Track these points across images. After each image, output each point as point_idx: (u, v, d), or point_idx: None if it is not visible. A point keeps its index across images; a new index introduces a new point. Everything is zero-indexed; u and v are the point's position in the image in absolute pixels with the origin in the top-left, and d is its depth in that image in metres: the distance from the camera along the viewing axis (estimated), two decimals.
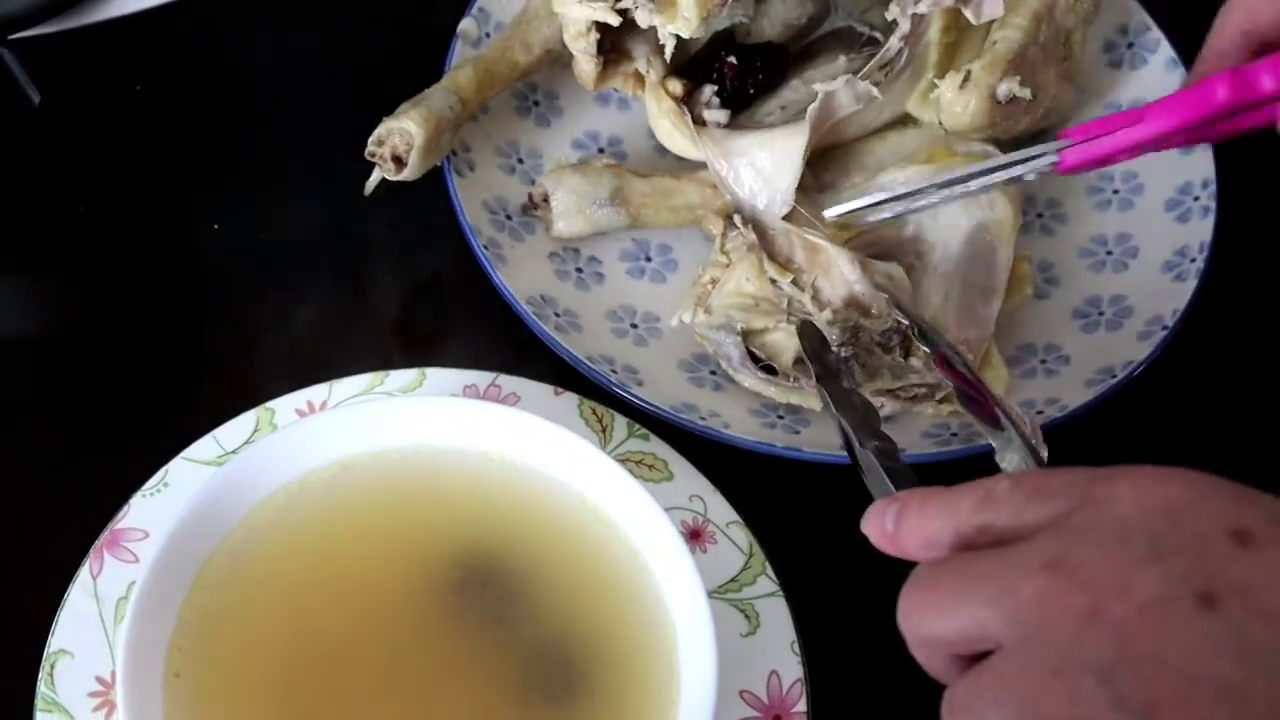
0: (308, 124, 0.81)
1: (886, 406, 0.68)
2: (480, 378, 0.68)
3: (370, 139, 0.72)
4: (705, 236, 0.75)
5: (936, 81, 0.72)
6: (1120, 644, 0.40)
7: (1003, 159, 0.69)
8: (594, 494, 0.61)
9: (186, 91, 0.82)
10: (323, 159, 0.78)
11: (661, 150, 0.77)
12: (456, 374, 0.68)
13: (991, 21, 0.72)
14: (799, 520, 0.67)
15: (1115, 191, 0.77)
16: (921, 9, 0.71)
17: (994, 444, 0.59)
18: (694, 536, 0.65)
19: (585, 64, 0.72)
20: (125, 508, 0.63)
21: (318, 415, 0.65)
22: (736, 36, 0.75)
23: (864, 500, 0.51)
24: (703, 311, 0.69)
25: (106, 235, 0.77)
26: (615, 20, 0.69)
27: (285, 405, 0.66)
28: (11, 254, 0.78)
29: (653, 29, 0.70)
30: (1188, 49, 0.79)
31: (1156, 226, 0.75)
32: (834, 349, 0.66)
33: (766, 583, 0.64)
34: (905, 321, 0.67)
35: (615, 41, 0.71)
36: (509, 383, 0.68)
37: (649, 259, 0.75)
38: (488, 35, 0.77)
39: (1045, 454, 0.60)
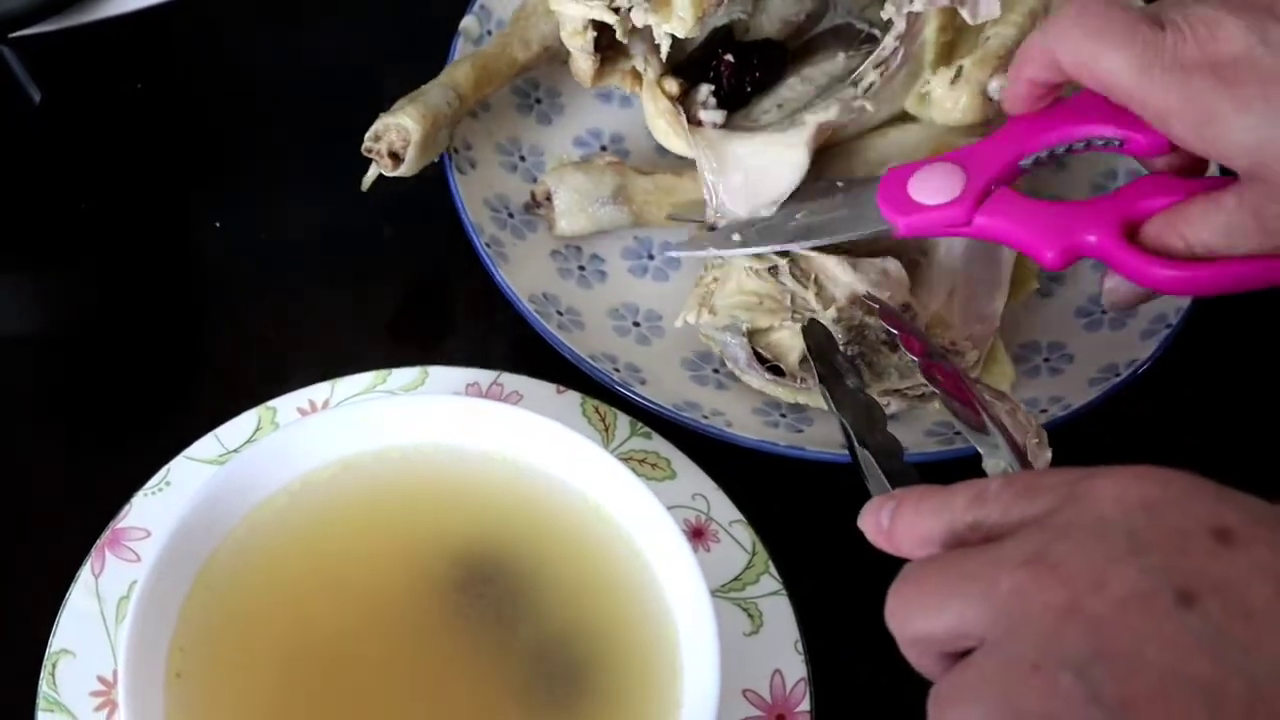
0: (307, 122, 0.80)
1: (893, 405, 0.67)
2: (482, 376, 0.68)
3: (367, 135, 0.71)
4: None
5: (930, 79, 0.72)
6: (1098, 639, 0.40)
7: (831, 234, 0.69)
8: (596, 493, 0.61)
9: (186, 90, 0.82)
10: (323, 156, 0.78)
11: (664, 149, 0.76)
12: (459, 372, 0.68)
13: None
14: (802, 519, 0.67)
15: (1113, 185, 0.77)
16: (916, 8, 0.71)
17: (980, 449, 0.58)
18: (697, 535, 0.64)
19: (582, 61, 0.72)
20: (127, 507, 0.63)
21: (319, 414, 0.64)
22: (734, 33, 0.75)
23: (867, 499, 0.51)
24: (707, 312, 0.69)
25: (107, 234, 0.77)
26: (612, 19, 0.69)
27: (287, 404, 0.66)
28: (12, 253, 0.77)
29: (649, 27, 0.70)
30: None
31: None
32: (841, 348, 0.66)
33: (770, 581, 0.64)
34: (908, 313, 0.67)
35: (612, 39, 0.71)
36: (511, 381, 0.68)
37: (651, 257, 0.75)
38: (489, 33, 0.77)
39: (1044, 459, 0.60)
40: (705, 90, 0.73)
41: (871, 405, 0.60)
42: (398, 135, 0.71)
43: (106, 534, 0.62)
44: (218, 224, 0.77)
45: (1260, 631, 0.39)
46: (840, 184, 0.70)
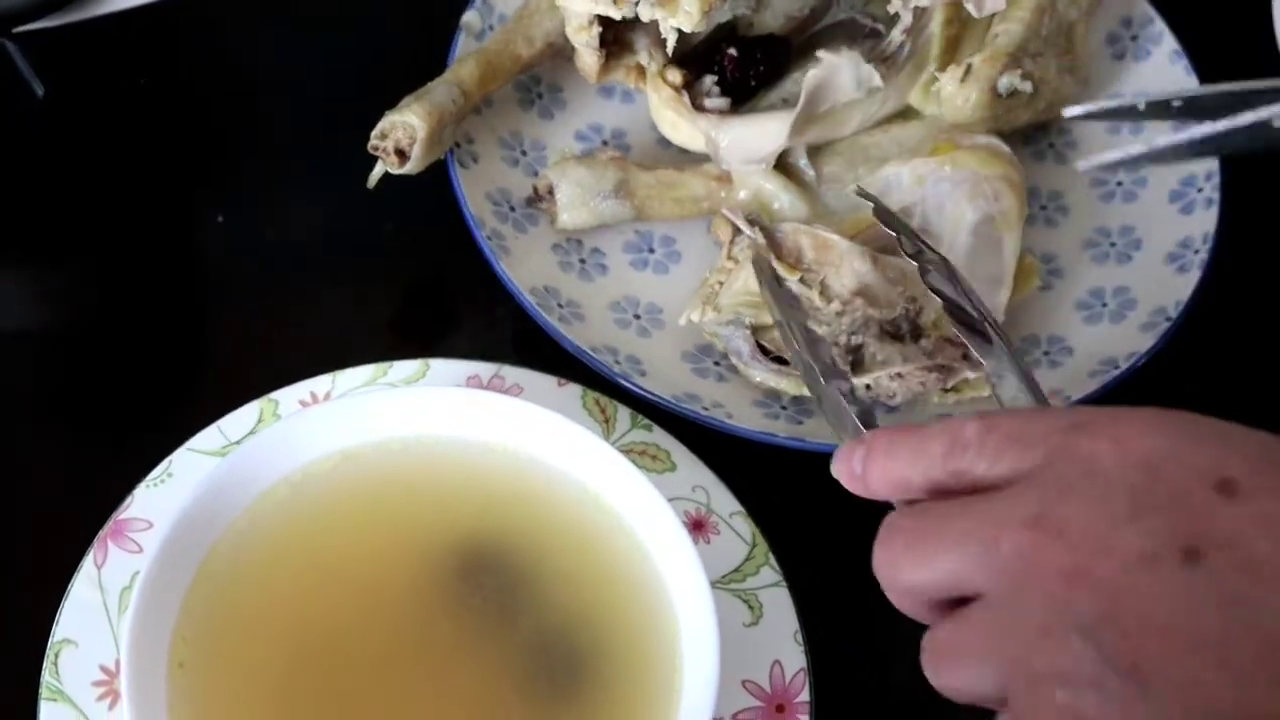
0: (311, 118, 0.81)
1: (898, 395, 0.67)
2: (484, 369, 0.68)
3: (373, 132, 0.72)
4: (710, 231, 0.75)
5: (938, 75, 0.72)
6: (1106, 602, 0.41)
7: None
8: (597, 484, 0.61)
9: (190, 86, 0.83)
10: (326, 153, 0.78)
11: (666, 143, 0.77)
12: (460, 365, 0.68)
13: (994, 14, 0.72)
14: (802, 511, 0.67)
15: (1119, 184, 0.77)
16: (923, 2, 0.71)
17: (986, 366, 0.57)
18: (697, 527, 0.65)
19: (588, 57, 0.72)
20: (129, 498, 0.63)
21: (320, 405, 0.65)
22: (738, 28, 0.75)
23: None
24: (711, 310, 0.69)
25: (109, 229, 0.77)
26: (617, 14, 0.69)
27: (288, 396, 0.66)
28: (14, 248, 0.78)
29: (654, 22, 0.70)
30: (1191, 41, 0.79)
31: (1160, 218, 0.75)
32: (843, 340, 0.66)
33: (769, 573, 0.64)
34: (913, 308, 0.67)
35: (617, 34, 0.71)
36: (512, 374, 0.68)
37: (652, 250, 0.75)
38: (491, 28, 0.77)
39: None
40: (709, 81, 0.73)
41: (820, 341, 0.59)
42: (404, 133, 0.71)
43: (109, 525, 0.63)
44: (221, 218, 0.77)
45: (1268, 583, 0.39)
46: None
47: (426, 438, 0.62)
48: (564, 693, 0.57)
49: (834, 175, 0.74)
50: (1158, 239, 0.74)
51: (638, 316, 0.72)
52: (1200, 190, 0.74)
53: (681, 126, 0.74)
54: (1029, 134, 0.78)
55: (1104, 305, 0.72)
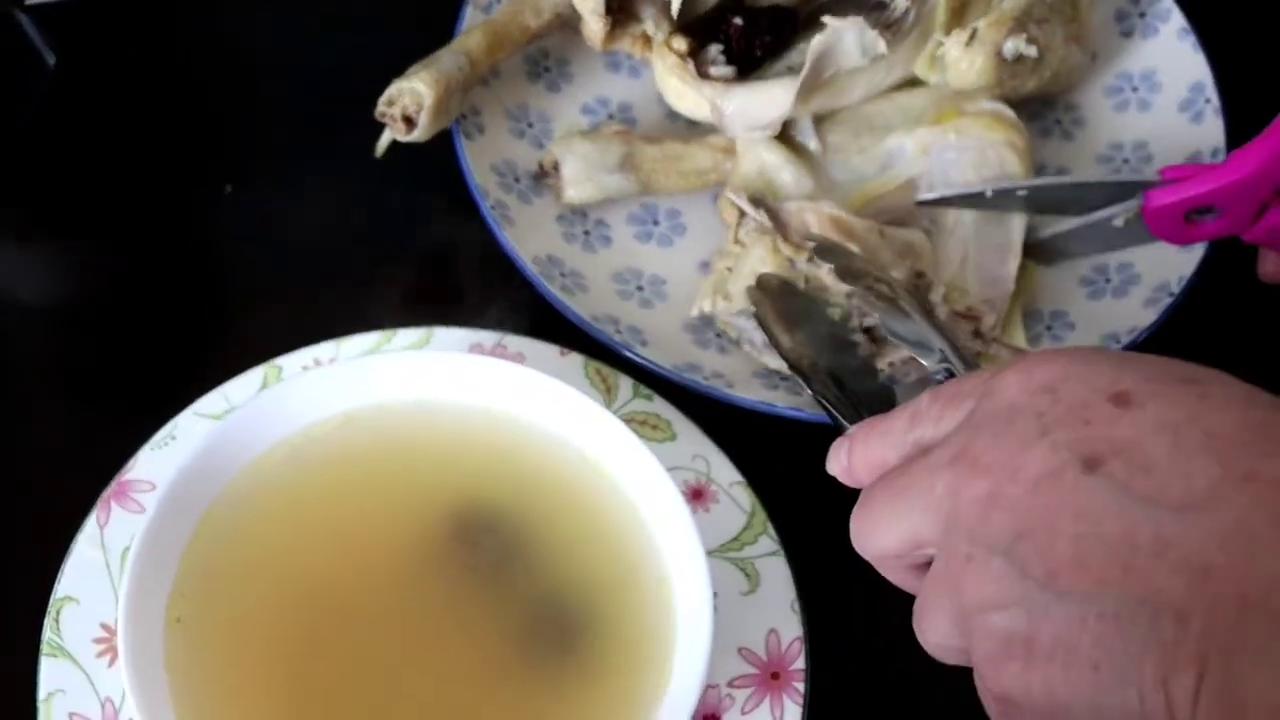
0: (320, 88, 0.81)
1: (913, 373, 0.67)
2: (487, 337, 0.68)
3: (380, 99, 0.72)
4: (715, 204, 0.75)
5: (943, 39, 0.72)
6: (1018, 520, 0.42)
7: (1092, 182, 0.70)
8: (595, 451, 0.61)
9: (200, 55, 0.83)
10: (336, 123, 0.78)
11: (672, 116, 0.77)
12: (463, 333, 0.68)
13: None
14: (802, 481, 0.66)
15: (1125, 160, 0.77)
16: None
17: (924, 363, 0.58)
18: (696, 496, 0.65)
19: (593, 24, 0.72)
20: (133, 460, 0.64)
21: (322, 368, 0.65)
22: None
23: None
24: (721, 299, 0.69)
25: (118, 199, 0.77)
26: None
27: (292, 362, 0.67)
28: (23, 218, 0.78)
29: None
30: (1199, 18, 0.79)
31: None
32: (856, 322, 0.66)
33: (768, 542, 0.64)
34: (921, 283, 0.67)
35: (624, 2, 0.71)
36: (515, 343, 0.68)
37: (656, 223, 0.75)
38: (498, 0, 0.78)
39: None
40: (715, 50, 0.73)
41: (836, 337, 0.60)
42: (411, 100, 0.71)
43: (112, 486, 0.63)
44: (229, 189, 0.78)
45: (1161, 481, 0.40)
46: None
47: (427, 402, 0.62)
48: (558, 655, 0.57)
49: (838, 145, 0.74)
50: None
51: (640, 288, 0.72)
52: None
53: (686, 95, 0.74)
54: (1036, 110, 0.78)
55: (1107, 281, 0.72)
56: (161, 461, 0.63)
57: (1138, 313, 0.69)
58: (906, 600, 0.48)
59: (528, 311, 0.71)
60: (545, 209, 0.74)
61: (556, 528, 0.60)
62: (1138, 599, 0.39)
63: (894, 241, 0.69)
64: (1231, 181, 0.64)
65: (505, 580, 0.59)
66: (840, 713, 0.62)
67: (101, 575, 0.61)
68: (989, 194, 0.70)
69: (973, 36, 0.72)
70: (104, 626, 0.60)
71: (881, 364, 0.66)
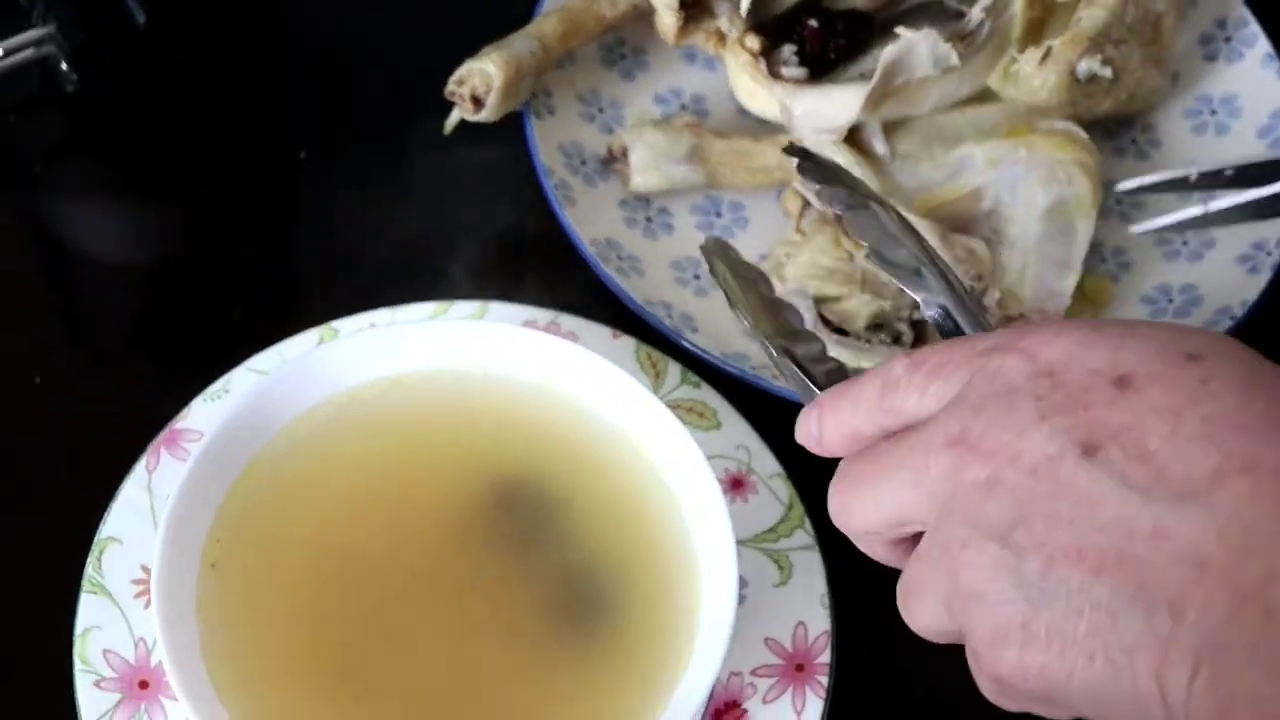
0: (398, 62, 0.82)
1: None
2: (541, 315, 0.69)
3: (451, 78, 0.73)
4: (779, 201, 0.75)
5: (1017, 56, 0.72)
6: (1016, 507, 0.42)
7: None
8: (637, 432, 0.62)
9: (283, 25, 0.85)
10: (412, 98, 0.79)
11: (743, 113, 0.77)
12: (518, 309, 0.69)
13: (1078, 1, 0.72)
14: None
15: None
16: None
17: (918, 300, 0.55)
18: (736, 485, 0.65)
19: (667, 17, 0.73)
20: (185, 410, 0.65)
21: (374, 330, 0.66)
22: (822, 0, 0.75)
23: None
24: (777, 280, 0.70)
25: (196, 159, 0.79)
26: None
27: (348, 325, 0.68)
28: (106, 175, 0.80)
29: None
30: None
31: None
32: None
33: (803, 536, 0.64)
34: (979, 286, 0.67)
35: None
36: (569, 322, 0.69)
37: (720, 215, 0.75)
38: None
39: (993, 297, 0.58)
40: (788, 50, 0.73)
41: (786, 307, 0.57)
42: (480, 80, 0.72)
43: (164, 434, 0.64)
44: (303, 155, 0.79)
45: (1159, 469, 0.40)
46: None
47: (475, 372, 0.63)
48: (584, 628, 0.58)
49: (909, 153, 0.74)
50: (1230, 239, 0.73)
51: (697, 277, 0.73)
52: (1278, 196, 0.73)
53: (758, 94, 0.74)
54: (1111, 129, 0.78)
55: (1170, 301, 0.72)
56: (213, 413, 0.64)
57: None
58: None
59: (584, 293, 0.72)
60: (609, 193, 0.74)
61: (592, 504, 0.61)
62: (1133, 590, 0.39)
63: (956, 246, 0.69)
64: None
65: (537, 552, 0.59)
66: (862, 709, 0.62)
67: (146, 519, 0.62)
68: (1193, 177, 0.70)
69: (1047, 54, 0.71)
70: (144, 568, 0.61)
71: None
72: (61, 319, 0.76)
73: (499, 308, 0.69)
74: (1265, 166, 0.71)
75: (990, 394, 0.44)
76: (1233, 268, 0.72)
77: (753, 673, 0.60)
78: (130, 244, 0.79)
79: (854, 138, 0.74)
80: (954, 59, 0.71)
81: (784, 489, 0.65)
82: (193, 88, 0.81)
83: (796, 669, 0.61)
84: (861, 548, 0.49)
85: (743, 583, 0.62)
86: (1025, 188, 0.71)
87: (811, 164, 0.59)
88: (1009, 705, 0.44)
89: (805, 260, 0.70)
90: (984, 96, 0.75)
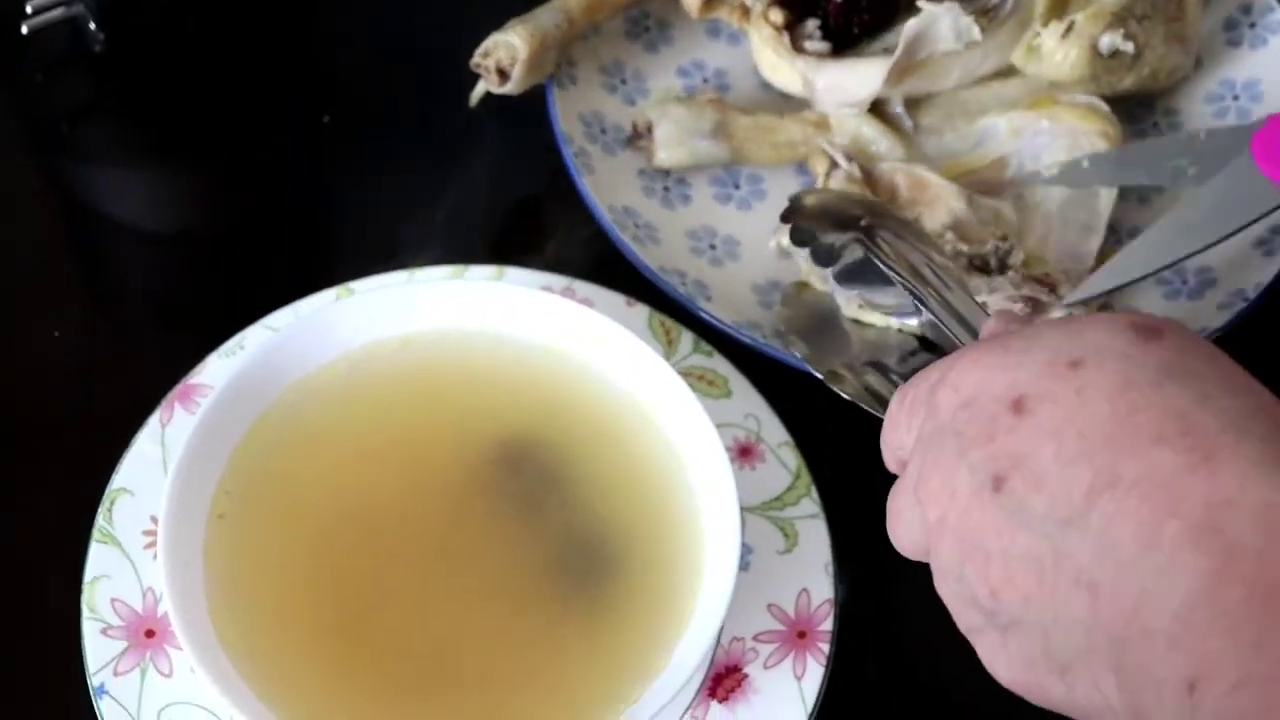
0: (423, 31, 0.83)
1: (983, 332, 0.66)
2: (557, 280, 0.69)
3: (476, 51, 0.73)
4: (798, 175, 0.75)
5: (1040, 30, 0.72)
6: (960, 546, 0.44)
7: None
8: (647, 397, 0.62)
9: None
10: (434, 66, 0.80)
11: (766, 88, 0.77)
12: (534, 274, 0.69)
13: None
14: (849, 447, 0.67)
15: None
16: None
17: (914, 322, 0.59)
18: (744, 454, 0.65)
19: None
20: (200, 365, 0.66)
21: (387, 289, 0.66)
22: None
23: None
24: None
25: (221, 123, 0.80)
26: None
27: (364, 285, 0.68)
28: (131, 138, 0.81)
29: None
30: None
31: None
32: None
33: (809, 505, 0.64)
34: (1003, 245, 0.67)
35: None
36: (584, 288, 0.69)
37: (738, 187, 0.76)
38: None
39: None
40: (812, 24, 0.74)
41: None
42: (506, 53, 0.73)
43: (178, 388, 0.65)
44: (327, 119, 0.79)
45: (1052, 495, 0.41)
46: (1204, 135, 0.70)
47: (488, 333, 0.64)
48: (586, 586, 0.58)
49: (931, 126, 0.74)
50: None
51: (713, 246, 0.73)
52: None
53: (781, 68, 0.74)
54: (1134, 111, 0.77)
55: (1184, 283, 0.71)
56: (227, 368, 0.65)
57: (1210, 315, 0.69)
58: None
59: (600, 262, 0.72)
60: (628, 163, 0.75)
61: (598, 466, 0.61)
62: (1053, 615, 0.41)
63: (981, 209, 0.69)
64: None
65: (543, 512, 0.60)
66: (863, 677, 0.62)
67: (157, 471, 0.63)
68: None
69: (1069, 28, 0.71)
70: (154, 520, 0.61)
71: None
72: (83, 277, 0.76)
73: (515, 272, 0.69)
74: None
75: (932, 432, 0.45)
76: (1249, 250, 0.71)
77: (755, 638, 0.61)
78: (154, 204, 0.80)
79: (880, 112, 0.74)
80: (976, 33, 0.71)
81: (792, 458, 0.65)
82: (219, 49, 0.82)
83: (798, 635, 0.61)
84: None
85: (748, 549, 0.62)
86: (1049, 155, 0.72)
87: (802, 222, 0.63)
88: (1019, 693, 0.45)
89: None
90: (1006, 73, 0.75)
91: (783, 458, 0.65)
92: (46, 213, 0.78)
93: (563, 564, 0.59)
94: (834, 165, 0.72)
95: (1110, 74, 0.72)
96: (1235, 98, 0.78)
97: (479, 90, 0.74)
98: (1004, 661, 0.44)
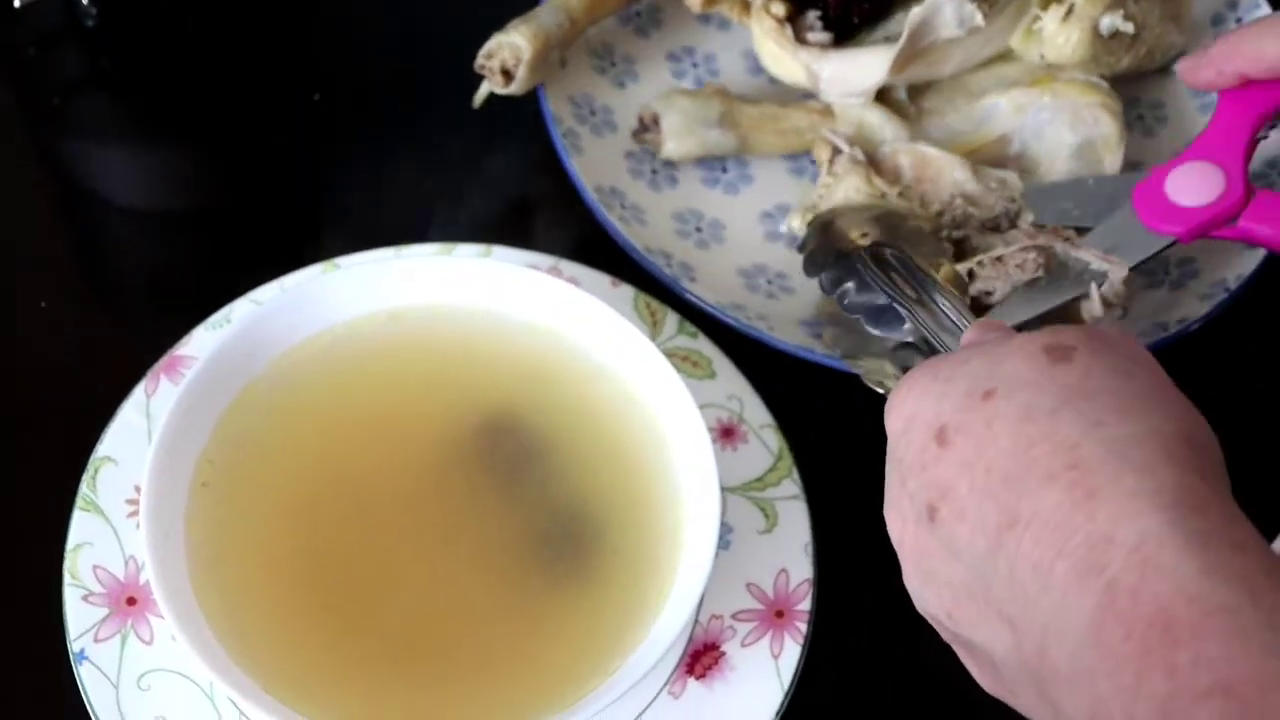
0: (414, 11, 0.83)
1: (997, 291, 0.66)
2: (543, 260, 0.69)
3: (480, 52, 0.74)
4: (786, 161, 0.76)
5: (1040, 13, 0.73)
6: (916, 570, 0.45)
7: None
8: (629, 375, 0.63)
9: None
10: (428, 49, 0.80)
11: (757, 71, 0.78)
12: (521, 253, 0.69)
13: None
14: (833, 431, 0.68)
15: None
16: None
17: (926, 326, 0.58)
18: (726, 434, 0.66)
19: None
20: (187, 337, 0.66)
21: (373, 264, 0.67)
22: None
23: None
24: (812, 215, 0.70)
25: (212, 100, 0.80)
26: None
27: (351, 262, 0.68)
28: (122, 116, 0.81)
29: None
30: None
31: None
32: (946, 234, 0.67)
33: (790, 486, 0.65)
34: (1013, 207, 0.69)
35: None
36: (570, 268, 0.69)
37: (725, 170, 0.76)
38: None
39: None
40: (812, 16, 0.74)
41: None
42: (510, 53, 0.73)
43: (164, 359, 0.65)
44: (317, 97, 0.80)
45: (971, 528, 0.42)
46: (1091, 182, 0.71)
47: (473, 309, 0.64)
48: (565, 560, 0.59)
49: (934, 109, 0.75)
50: None
51: (699, 229, 0.73)
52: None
53: (783, 60, 0.74)
54: (1128, 79, 0.78)
55: (1166, 274, 0.72)
56: (213, 340, 0.65)
57: (1191, 306, 0.69)
58: None
59: (587, 243, 0.72)
60: (616, 144, 0.75)
61: (579, 442, 0.62)
62: (991, 643, 0.42)
63: (987, 179, 0.70)
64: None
65: (524, 485, 0.60)
66: (839, 657, 0.63)
67: (142, 441, 0.63)
68: None
69: (1070, 11, 0.72)
70: (137, 489, 0.61)
71: (962, 269, 0.66)
72: (72, 249, 0.77)
73: (502, 251, 0.69)
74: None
75: (890, 458, 0.47)
76: (1230, 244, 0.72)
77: (733, 616, 0.61)
78: (144, 179, 0.80)
79: (881, 97, 0.74)
80: (979, 19, 0.71)
81: (774, 439, 0.66)
82: (210, 26, 0.82)
83: (776, 615, 0.61)
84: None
85: (728, 528, 0.63)
86: (1052, 130, 0.73)
87: (813, 252, 0.66)
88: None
89: (839, 197, 0.70)
90: (1006, 57, 0.75)
91: (765, 439, 0.66)
92: (36, 187, 0.79)
93: (544, 539, 0.59)
94: (837, 152, 0.72)
95: (1109, 54, 0.73)
96: None
97: (483, 91, 0.74)
98: (978, 673, 0.45)
